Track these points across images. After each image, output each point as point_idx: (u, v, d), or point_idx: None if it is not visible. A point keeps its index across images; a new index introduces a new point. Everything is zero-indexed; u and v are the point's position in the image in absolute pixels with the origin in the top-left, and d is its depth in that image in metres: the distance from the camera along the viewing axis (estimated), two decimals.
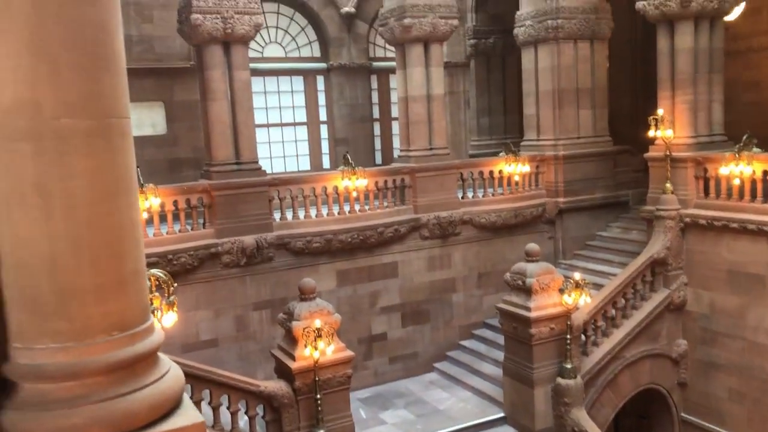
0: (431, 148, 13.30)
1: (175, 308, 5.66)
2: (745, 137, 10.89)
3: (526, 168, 13.89)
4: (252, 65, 12.45)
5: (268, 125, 15.76)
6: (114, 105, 2.44)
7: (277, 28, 15.82)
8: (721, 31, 12.20)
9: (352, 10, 16.08)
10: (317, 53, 16.42)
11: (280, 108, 16.08)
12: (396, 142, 16.28)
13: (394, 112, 16.13)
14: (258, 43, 15.23)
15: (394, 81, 14.85)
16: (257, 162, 11.94)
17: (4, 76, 2.27)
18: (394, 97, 15.63)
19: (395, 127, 16.36)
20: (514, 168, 13.70)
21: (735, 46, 14.20)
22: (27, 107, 2.28)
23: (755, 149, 10.90)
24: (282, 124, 16.10)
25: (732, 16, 12.72)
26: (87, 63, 2.35)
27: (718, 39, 12.12)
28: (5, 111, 2.29)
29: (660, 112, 11.94)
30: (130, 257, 2.51)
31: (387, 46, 15.57)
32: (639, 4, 12.22)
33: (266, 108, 15.75)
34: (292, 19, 16.06)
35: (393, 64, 14.15)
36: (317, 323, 9.15)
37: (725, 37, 12.45)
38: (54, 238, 2.33)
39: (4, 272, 2.41)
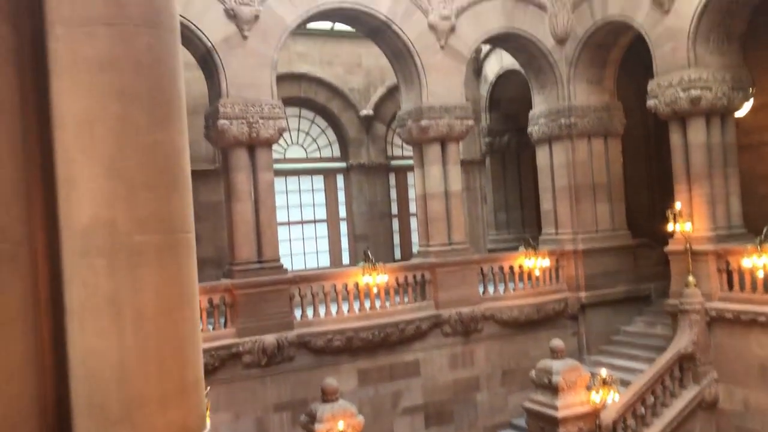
0: (450, 243, 13.48)
1: (207, 412, 5.67)
2: (765, 230, 10.99)
3: (546, 262, 13.98)
4: (275, 166, 12.89)
5: (288, 223, 16.10)
6: (181, 221, 2.65)
7: (299, 130, 16.50)
8: (733, 126, 12.58)
9: (371, 112, 16.77)
10: (337, 153, 16.99)
11: (300, 206, 16.48)
12: (415, 238, 16.51)
13: (413, 208, 16.46)
14: (280, 145, 15.81)
15: (412, 178, 15.25)
16: (279, 260, 12.14)
17: (84, 197, 2.49)
18: (413, 193, 15.98)
19: (414, 223, 16.64)
20: (534, 262, 13.80)
21: (747, 140, 14.55)
22: (104, 226, 2.48)
23: None
24: (302, 222, 16.45)
25: (742, 112, 13.15)
26: (159, 183, 2.57)
27: (730, 134, 12.48)
28: (84, 229, 2.49)
29: (678, 205, 12.13)
30: (191, 366, 2.64)
31: (404, 145, 16.10)
32: (650, 102, 12.69)
33: (287, 206, 16.14)
34: (313, 122, 16.77)
35: (411, 162, 14.59)
36: (340, 425, 9.04)
37: (737, 131, 12.81)
38: (123, 348, 2.47)
39: (73, 381, 2.53)
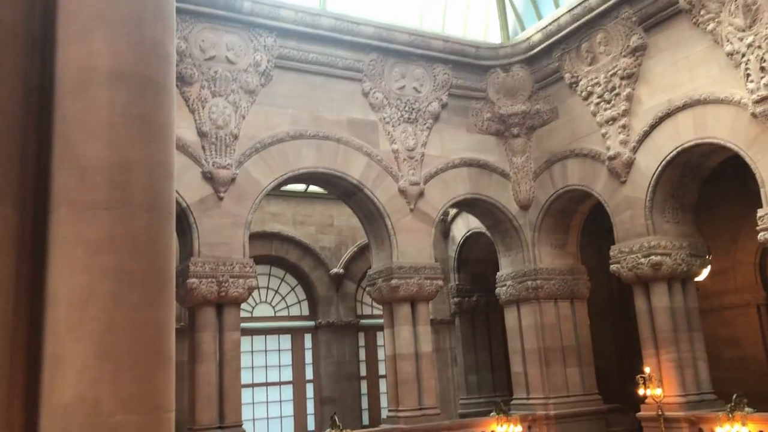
0: (421, 408, 13.17)
1: None
2: (735, 397, 11.07)
3: (518, 429, 13.67)
4: (241, 325, 12.80)
5: (252, 385, 15.66)
6: (164, 399, 2.67)
7: (268, 288, 16.61)
8: (694, 291, 13.03)
9: (341, 270, 17.05)
10: (306, 311, 17.02)
11: (266, 367, 16.15)
12: (384, 401, 16.12)
13: (382, 369, 16.25)
14: (249, 304, 15.80)
15: (382, 338, 15.20)
16: (241, 425, 11.69)
17: (70, 375, 2.52)
18: (381, 354, 15.86)
19: (383, 385, 16.33)
20: (506, 429, 13.49)
21: (709, 304, 15.05)
22: (87, 404, 2.49)
23: (747, 409, 11.02)
24: (267, 384, 16.02)
25: (701, 277, 13.71)
26: (145, 361, 2.63)
27: (691, 299, 12.88)
28: (66, 408, 2.50)
29: (647, 370, 12.22)
30: None
31: (374, 304, 16.21)
32: (613, 267, 13.17)
33: (252, 367, 15.79)
34: (283, 279, 16.95)
35: (380, 321, 14.60)
36: None
37: (699, 295, 13.27)
38: None
39: None
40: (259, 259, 14.17)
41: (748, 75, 10.72)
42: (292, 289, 17.08)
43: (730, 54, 11.01)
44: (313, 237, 16.93)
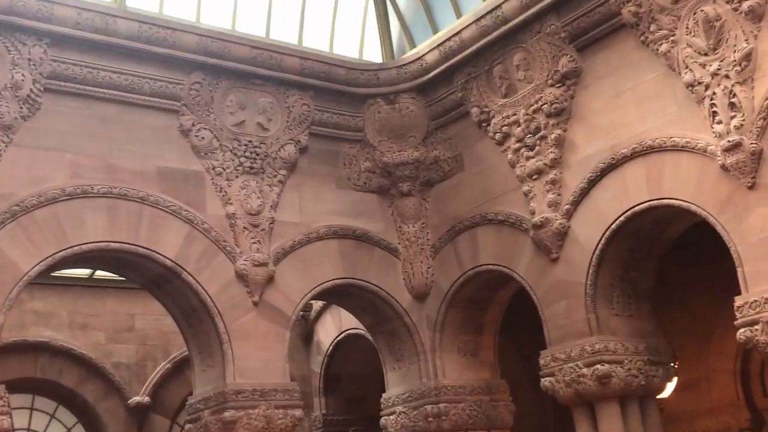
0: None
1: None
2: None
3: None
4: None
5: None
6: None
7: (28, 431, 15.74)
8: (657, 413, 13.38)
9: (146, 399, 16.42)
10: None
11: None
12: None
13: None
14: None
15: None
16: None
17: None
18: None
19: None
20: None
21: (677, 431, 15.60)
22: None
23: None
24: None
25: (666, 393, 14.22)
26: None
27: (654, 424, 13.22)
28: None
29: None
30: None
31: None
32: (545, 382, 13.28)
33: None
34: (53, 416, 16.10)
35: None
36: None
37: (663, 419, 13.65)
38: None
39: None
40: (15, 386, 13.35)
41: (715, 113, 11.29)
42: (69, 430, 16.24)
43: (690, 85, 11.65)
44: (102, 348, 16.31)
